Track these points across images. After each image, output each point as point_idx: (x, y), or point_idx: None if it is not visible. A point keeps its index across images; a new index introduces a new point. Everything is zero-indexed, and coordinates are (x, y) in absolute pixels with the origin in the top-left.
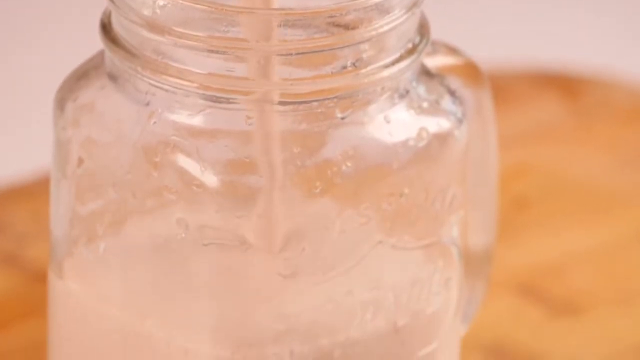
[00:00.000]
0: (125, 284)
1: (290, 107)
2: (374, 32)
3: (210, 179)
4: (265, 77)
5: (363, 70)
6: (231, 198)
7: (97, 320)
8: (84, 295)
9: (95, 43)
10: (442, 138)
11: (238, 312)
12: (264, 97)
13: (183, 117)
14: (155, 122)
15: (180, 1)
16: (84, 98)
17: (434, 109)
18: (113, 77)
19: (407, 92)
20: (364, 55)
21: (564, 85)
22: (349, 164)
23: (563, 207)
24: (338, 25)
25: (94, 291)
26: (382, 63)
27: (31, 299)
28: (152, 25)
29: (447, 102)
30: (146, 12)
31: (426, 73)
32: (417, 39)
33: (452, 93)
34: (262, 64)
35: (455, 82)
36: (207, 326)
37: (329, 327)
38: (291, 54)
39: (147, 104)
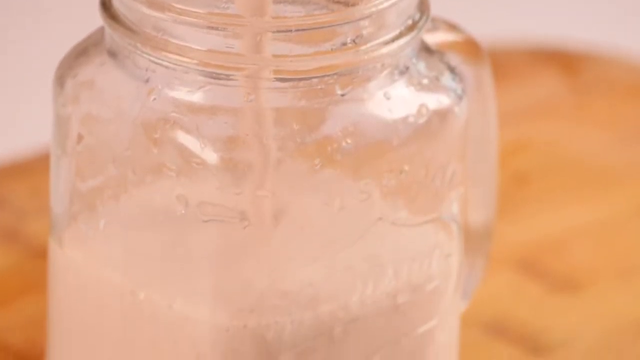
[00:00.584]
0: (125, 252)
1: (290, 83)
2: (373, 9)
3: (210, 156)
4: (264, 54)
5: (363, 47)
6: (231, 175)
7: (97, 288)
8: (84, 264)
9: (95, 20)
10: (442, 115)
11: (238, 281)
12: (263, 74)
13: (183, 94)
14: (154, 99)
15: None
16: (83, 75)
17: (434, 85)
18: (113, 54)
19: (407, 68)
20: (364, 32)
21: (563, 61)
22: (348, 141)
23: (563, 183)
24: (338, 2)
25: (94, 260)
26: (382, 40)
27: (31, 275)
28: (152, 2)
29: (447, 79)
30: None
31: (426, 50)
32: (417, 16)
33: (452, 70)
34: (261, 40)
35: (455, 59)
36: (207, 293)
37: (329, 302)
38: (291, 31)
39: (147, 81)
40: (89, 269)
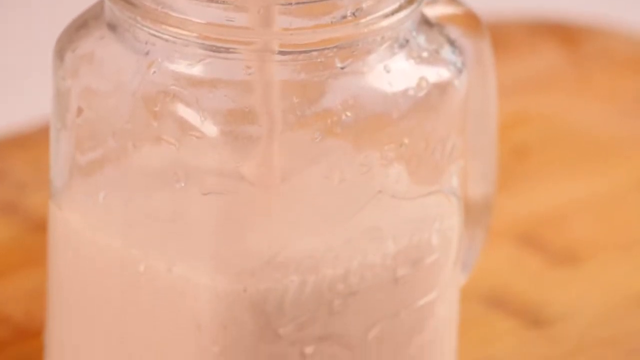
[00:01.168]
0: (124, 216)
1: (290, 56)
2: None
3: (210, 129)
4: (264, 27)
5: (363, 20)
6: (231, 148)
7: (97, 254)
8: (84, 230)
9: None
10: (441, 88)
11: (238, 246)
12: (263, 47)
13: (182, 67)
14: (154, 72)
15: None
16: (83, 48)
17: (434, 58)
18: (112, 27)
19: (407, 41)
20: (364, 5)
21: (563, 34)
22: (348, 114)
23: (563, 155)
24: None
25: (93, 225)
26: (381, 12)
27: (31, 247)
28: None
29: (446, 52)
30: None
31: (426, 23)
32: None
33: (451, 42)
34: (262, 13)
35: (455, 32)
36: (207, 256)
37: (329, 273)
38: (291, 4)
39: (147, 54)
40: (88, 235)
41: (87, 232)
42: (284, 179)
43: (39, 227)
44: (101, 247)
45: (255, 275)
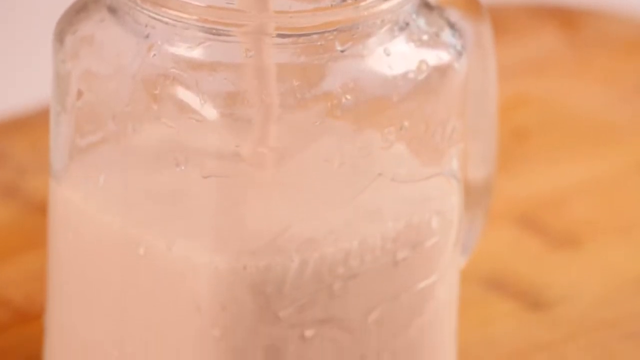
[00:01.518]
0: (124, 196)
1: (290, 39)
2: None
3: (210, 112)
4: (264, 10)
5: (363, 3)
6: (230, 130)
7: (97, 234)
8: (84, 208)
9: None
10: (441, 70)
11: (238, 226)
12: (262, 30)
13: (182, 50)
14: (154, 55)
15: None
16: (83, 31)
17: (434, 41)
18: (112, 10)
19: (407, 24)
20: None
21: (563, 17)
22: (348, 97)
23: (562, 138)
24: None
25: (94, 204)
26: None
27: (31, 230)
28: None
29: (446, 35)
30: None
31: (426, 5)
32: None
33: (451, 25)
34: None
35: (455, 15)
36: (207, 235)
37: (329, 255)
38: None
39: (147, 37)
40: (88, 215)
41: (87, 212)
42: (284, 162)
43: (39, 210)
44: (101, 227)
45: (255, 253)
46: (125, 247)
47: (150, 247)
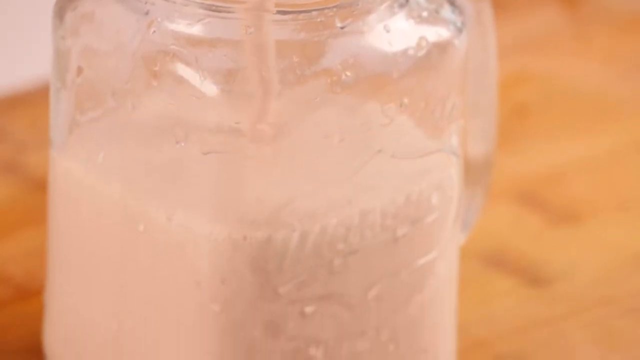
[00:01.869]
0: (125, 168)
1: (290, 16)
2: None
3: (210, 88)
4: None
5: None
6: (230, 107)
7: (97, 206)
8: (84, 181)
9: None
10: (441, 47)
11: (238, 199)
12: (262, 7)
13: (182, 27)
14: (154, 32)
15: None
16: (83, 7)
17: (434, 18)
18: None
19: (407, 1)
20: None
21: None
22: (348, 74)
23: (562, 115)
24: None
25: (94, 177)
26: None
27: (31, 207)
28: None
29: (446, 11)
30: None
31: None
32: None
33: (451, 2)
34: None
35: None
36: (207, 206)
37: (328, 230)
38: None
39: (147, 13)
40: (88, 188)
41: (87, 184)
42: (284, 138)
43: (39, 186)
44: (101, 199)
45: (254, 223)
46: (125, 220)
47: (150, 219)
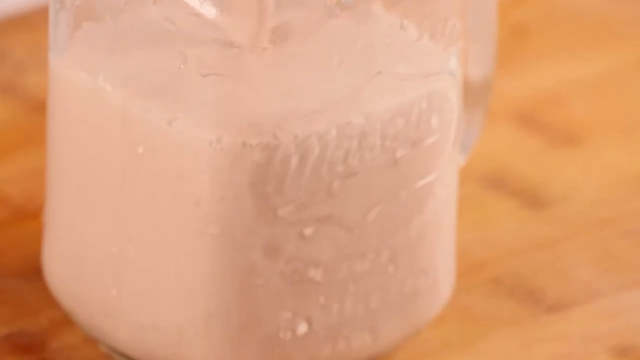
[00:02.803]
0: (127, 70)
1: None
2: None
3: (209, 10)
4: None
5: None
6: (230, 28)
7: (98, 109)
8: (84, 85)
9: None
10: None
11: (238, 107)
12: None
13: None
14: None
15: None
16: None
17: None
18: None
19: None
20: None
21: None
22: None
23: (562, 36)
24: None
25: (94, 79)
26: None
27: (30, 128)
28: None
29: None
30: None
31: None
32: None
33: None
34: None
35: None
36: (207, 113)
37: (328, 156)
38: None
39: None
40: (88, 93)
41: (88, 92)
42: (283, 58)
43: (38, 107)
44: (101, 108)
45: (253, 129)
46: (125, 132)
47: (150, 126)
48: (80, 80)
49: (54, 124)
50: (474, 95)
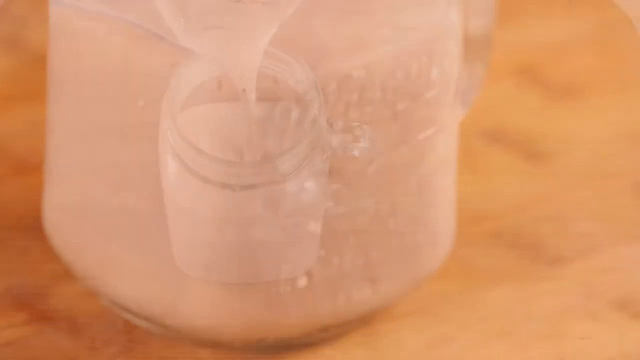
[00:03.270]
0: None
1: None
2: None
3: None
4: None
5: None
6: None
7: (99, 51)
8: (87, 27)
9: None
10: None
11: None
12: None
13: None
14: None
15: None
16: None
17: None
18: None
19: None
20: None
21: None
22: None
23: None
24: None
25: (95, 22)
26: None
27: (31, 82)
28: None
29: None
30: None
31: None
32: None
33: None
34: None
35: None
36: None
37: (328, 109)
38: None
39: None
40: (89, 39)
41: (88, 36)
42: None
43: (40, 61)
44: (102, 55)
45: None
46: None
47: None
48: (81, 28)
49: (54, 75)
50: (475, 48)
